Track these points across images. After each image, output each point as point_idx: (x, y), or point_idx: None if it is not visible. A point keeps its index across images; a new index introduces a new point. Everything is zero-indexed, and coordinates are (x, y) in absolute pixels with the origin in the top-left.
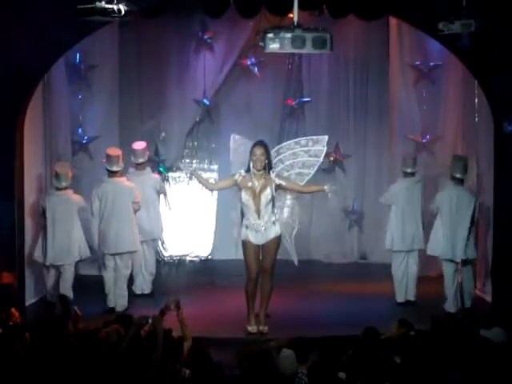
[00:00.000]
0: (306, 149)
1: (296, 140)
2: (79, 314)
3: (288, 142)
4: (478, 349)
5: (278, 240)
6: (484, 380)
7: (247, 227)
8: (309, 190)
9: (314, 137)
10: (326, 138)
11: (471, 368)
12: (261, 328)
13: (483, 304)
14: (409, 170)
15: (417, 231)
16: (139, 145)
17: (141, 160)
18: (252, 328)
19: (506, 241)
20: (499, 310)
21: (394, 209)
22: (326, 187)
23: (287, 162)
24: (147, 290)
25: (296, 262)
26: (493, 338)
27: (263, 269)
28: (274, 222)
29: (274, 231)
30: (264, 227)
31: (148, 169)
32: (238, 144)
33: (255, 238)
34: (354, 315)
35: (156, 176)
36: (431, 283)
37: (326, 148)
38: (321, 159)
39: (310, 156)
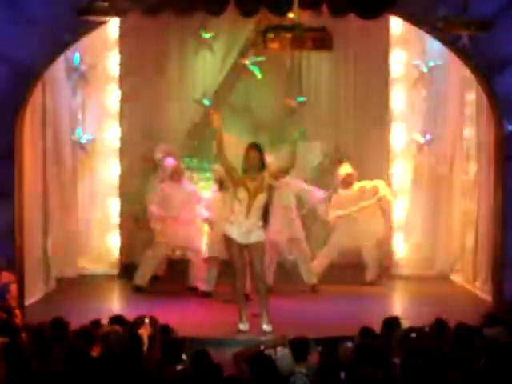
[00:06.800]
0: None
1: None
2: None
3: None
4: (480, 348)
5: (261, 245)
6: (487, 379)
7: (232, 223)
8: (292, 157)
9: None
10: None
11: (473, 367)
12: (264, 327)
13: (483, 304)
14: None
15: None
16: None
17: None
18: (243, 326)
19: (506, 240)
20: (499, 309)
21: None
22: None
23: None
24: None
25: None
26: (496, 336)
27: (253, 274)
28: (259, 227)
29: (257, 235)
30: (248, 228)
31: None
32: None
33: (238, 236)
34: (353, 316)
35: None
36: (432, 283)
37: None
38: None
39: None
